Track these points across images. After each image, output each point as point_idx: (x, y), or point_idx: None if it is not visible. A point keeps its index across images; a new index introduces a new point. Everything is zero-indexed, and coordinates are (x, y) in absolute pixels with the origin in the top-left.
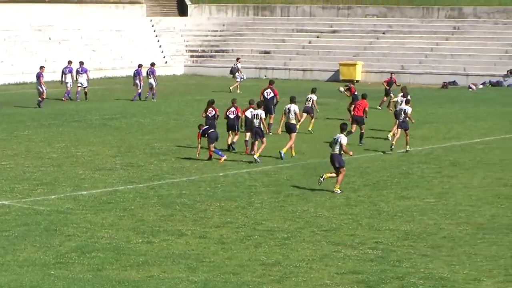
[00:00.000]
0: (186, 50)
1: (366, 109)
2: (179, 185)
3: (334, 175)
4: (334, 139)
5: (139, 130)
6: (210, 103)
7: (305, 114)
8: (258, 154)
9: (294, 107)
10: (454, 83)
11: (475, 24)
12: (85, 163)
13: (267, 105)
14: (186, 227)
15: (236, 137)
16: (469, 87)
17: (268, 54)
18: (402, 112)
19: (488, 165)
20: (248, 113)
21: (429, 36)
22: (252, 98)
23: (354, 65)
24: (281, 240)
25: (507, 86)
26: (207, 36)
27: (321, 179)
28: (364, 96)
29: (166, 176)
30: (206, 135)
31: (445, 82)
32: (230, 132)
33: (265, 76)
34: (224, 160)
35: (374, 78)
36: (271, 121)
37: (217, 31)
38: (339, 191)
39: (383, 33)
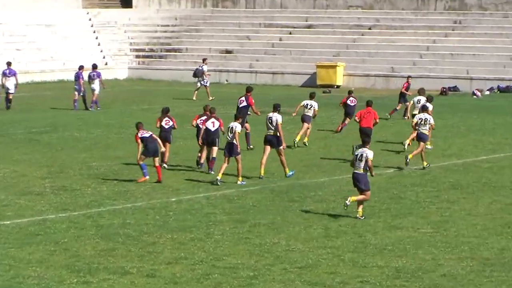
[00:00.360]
0: (130, 49)
1: (377, 120)
2: (122, 213)
3: (361, 197)
4: (357, 155)
5: (73, 147)
6: (165, 112)
7: (305, 125)
8: (220, 174)
9: (276, 117)
10: (455, 88)
11: (480, 17)
12: (8, 187)
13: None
14: (131, 263)
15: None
16: (473, 94)
17: (230, 54)
18: (423, 122)
19: (496, 188)
20: (209, 124)
21: (425, 32)
22: (225, 105)
23: (334, 67)
24: (246, 280)
25: None
26: (156, 32)
27: (347, 203)
28: (369, 104)
29: (107, 202)
30: (145, 146)
31: (444, 88)
32: (206, 147)
33: (227, 81)
34: (144, 181)
35: (359, 82)
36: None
37: (168, 26)
38: (361, 217)
39: (369, 29)
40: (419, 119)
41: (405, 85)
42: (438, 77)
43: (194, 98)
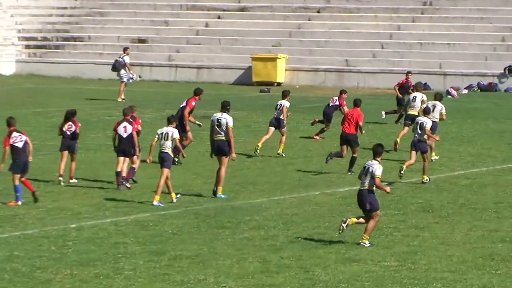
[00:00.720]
0: (18, 38)
1: (360, 123)
2: (9, 243)
3: (362, 220)
4: (364, 167)
5: None
6: (70, 115)
7: (272, 129)
8: (158, 197)
9: (226, 119)
10: (425, 86)
11: None
12: None
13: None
14: None
15: (136, 164)
16: (448, 93)
17: (144, 43)
18: (418, 127)
19: (476, 211)
20: (121, 129)
21: (388, 16)
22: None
23: (274, 59)
24: None
25: (504, 90)
26: (51, 16)
27: (344, 225)
28: (357, 103)
29: None
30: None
31: (411, 86)
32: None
33: (140, 77)
34: (16, 204)
35: (305, 79)
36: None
37: (66, 8)
38: (367, 244)
39: (318, 12)
40: (416, 123)
41: (400, 82)
42: (404, 72)
43: (119, 99)
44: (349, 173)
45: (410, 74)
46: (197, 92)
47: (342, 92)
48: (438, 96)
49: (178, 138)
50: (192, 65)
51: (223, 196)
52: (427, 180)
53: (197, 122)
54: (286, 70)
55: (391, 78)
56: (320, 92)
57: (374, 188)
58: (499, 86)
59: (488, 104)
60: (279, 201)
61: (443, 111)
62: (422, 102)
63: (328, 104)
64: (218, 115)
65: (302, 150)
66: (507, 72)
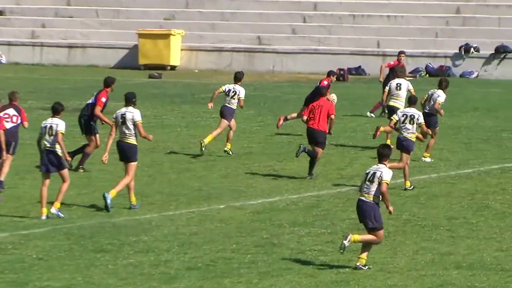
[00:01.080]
0: None
1: (332, 116)
2: None
3: (369, 237)
4: (368, 173)
5: None
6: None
7: (224, 122)
8: (44, 210)
9: (133, 114)
10: (359, 70)
11: None
12: None
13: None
14: None
15: (6, 168)
16: None
17: (1, 15)
18: (407, 121)
19: (424, 229)
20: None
21: None
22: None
23: (167, 36)
24: None
25: (460, 75)
26: None
27: (346, 243)
28: (322, 92)
29: None
30: None
31: (341, 70)
32: None
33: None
34: None
35: (206, 61)
36: (97, 143)
37: None
38: (364, 267)
39: None
40: (403, 115)
41: (391, 63)
42: (332, 52)
43: None
44: (309, 177)
45: (403, 55)
46: (108, 83)
47: (330, 74)
48: (443, 84)
49: (63, 131)
50: (62, 43)
51: (110, 202)
52: (411, 187)
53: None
54: (182, 50)
55: (315, 59)
56: (225, 78)
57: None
58: (452, 70)
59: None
60: (174, 217)
61: (440, 99)
62: (409, 91)
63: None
64: (122, 110)
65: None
66: (463, 52)
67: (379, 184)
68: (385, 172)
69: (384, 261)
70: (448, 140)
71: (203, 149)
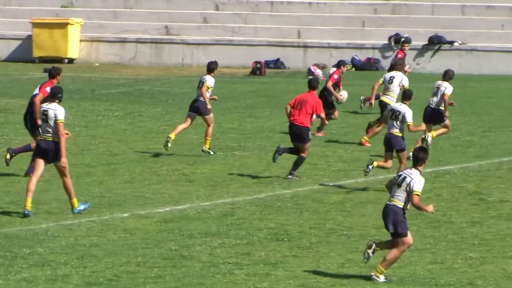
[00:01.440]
0: None
1: (322, 115)
2: None
3: (392, 253)
4: (399, 176)
5: None
6: None
7: (191, 115)
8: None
9: (55, 111)
10: (277, 64)
11: None
12: None
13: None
14: None
15: None
16: (310, 72)
17: None
18: (393, 117)
19: (350, 239)
20: None
21: None
22: None
23: (64, 26)
24: None
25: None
26: None
27: (370, 252)
28: (313, 84)
29: None
30: None
31: (257, 63)
32: None
33: None
34: None
35: (107, 54)
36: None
37: None
38: (381, 279)
39: None
40: (391, 110)
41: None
42: (248, 43)
43: None
44: (289, 177)
45: (407, 45)
46: (53, 73)
47: (340, 64)
48: (448, 75)
49: None
50: None
51: (82, 207)
52: None
53: None
54: (81, 41)
55: (229, 51)
56: (130, 72)
57: (409, 206)
58: (381, 62)
59: (367, 88)
60: (72, 226)
61: (448, 91)
62: (402, 86)
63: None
64: (44, 106)
65: (104, 154)
66: (393, 44)
67: (408, 193)
68: (416, 180)
69: (306, 275)
70: (378, 142)
71: (168, 146)
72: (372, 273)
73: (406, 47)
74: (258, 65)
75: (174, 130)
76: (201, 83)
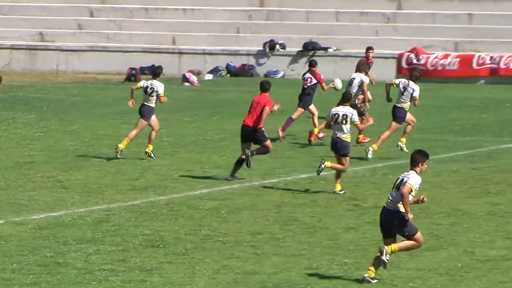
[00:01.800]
0: None
1: (267, 108)
2: None
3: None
4: (396, 180)
5: None
6: None
7: (142, 121)
8: None
9: None
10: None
11: None
12: None
13: None
14: None
15: None
16: (185, 79)
17: None
18: (339, 120)
19: (226, 245)
20: None
21: None
22: None
23: None
24: None
25: (264, 75)
26: None
27: (384, 258)
28: (265, 86)
29: None
30: None
31: (132, 69)
32: None
33: None
34: None
35: None
36: None
37: None
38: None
39: None
40: (334, 114)
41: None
42: (123, 49)
43: None
44: (229, 178)
45: (371, 51)
46: None
47: (312, 64)
48: (414, 75)
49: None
50: None
51: None
52: (343, 191)
53: None
54: None
55: (104, 58)
56: (4, 78)
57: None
58: (256, 69)
59: (241, 95)
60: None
61: (416, 94)
62: (360, 85)
63: (304, 88)
64: None
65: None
66: (267, 50)
67: (402, 194)
68: (412, 177)
69: (182, 281)
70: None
71: (119, 155)
72: (366, 276)
73: (370, 53)
74: (133, 71)
75: (127, 136)
76: (151, 89)
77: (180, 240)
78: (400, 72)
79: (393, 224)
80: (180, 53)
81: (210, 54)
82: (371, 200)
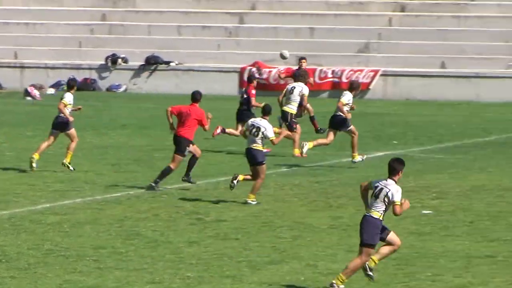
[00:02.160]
0: None
1: (206, 127)
2: None
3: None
4: (375, 187)
5: None
6: None
7: (52, 138)
8: None
9: None
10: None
11: None
12: None
13: None
14: None
15: None
16: (27, 93)
17: None
18: (254, 131)
19: (69, 260)
20: None
21: None
22: None
23: None
24: None
25: (107, 89)
26: None
27: (371, 274)
28: (196, 97)
29: None
30: None
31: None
32: None
33: None
34: None
35: None
36: None
37: None
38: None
39: None
40: (251, 125)
41: (288, 71)
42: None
43: None
44: (185, 178)
45: (304, 61)
46: None
47: (250, 79)
48: (354, 85)
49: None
50: None
51: None
52: (255, 201)
53: None
54: None
55: None
56: None
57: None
58: (98, 83)
59: (83, 108)
60: None
61: (344, 99)
62: (302, 96)
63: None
64: None
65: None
66: (109, 64)
67: (387, 204)
68: (393, 190)
69: None
70: (94, 161)
71: (33, 166)
72: (333, 281)
73: (303, 63)
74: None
75: (37, 150)
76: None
77: (22, 254)
78: (242, 86)
79: (364, 229)
80: (22, 67)
81: (53, 68)
82: (213, 214)
